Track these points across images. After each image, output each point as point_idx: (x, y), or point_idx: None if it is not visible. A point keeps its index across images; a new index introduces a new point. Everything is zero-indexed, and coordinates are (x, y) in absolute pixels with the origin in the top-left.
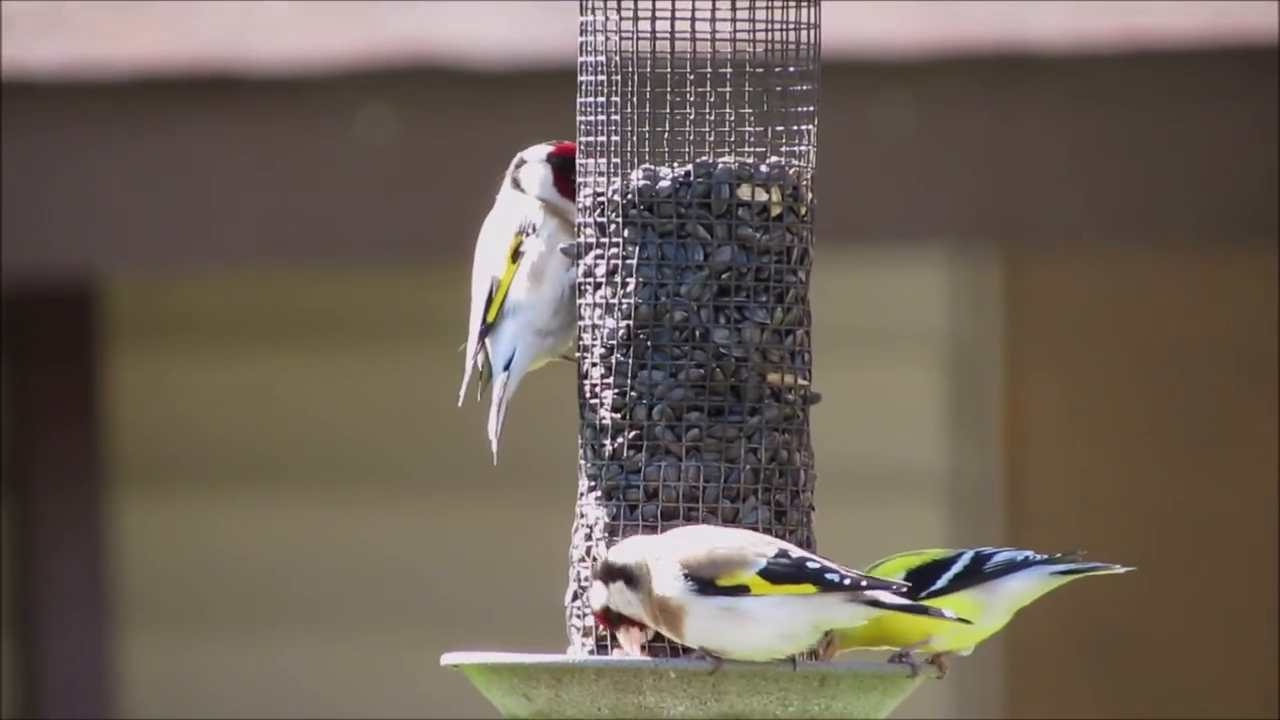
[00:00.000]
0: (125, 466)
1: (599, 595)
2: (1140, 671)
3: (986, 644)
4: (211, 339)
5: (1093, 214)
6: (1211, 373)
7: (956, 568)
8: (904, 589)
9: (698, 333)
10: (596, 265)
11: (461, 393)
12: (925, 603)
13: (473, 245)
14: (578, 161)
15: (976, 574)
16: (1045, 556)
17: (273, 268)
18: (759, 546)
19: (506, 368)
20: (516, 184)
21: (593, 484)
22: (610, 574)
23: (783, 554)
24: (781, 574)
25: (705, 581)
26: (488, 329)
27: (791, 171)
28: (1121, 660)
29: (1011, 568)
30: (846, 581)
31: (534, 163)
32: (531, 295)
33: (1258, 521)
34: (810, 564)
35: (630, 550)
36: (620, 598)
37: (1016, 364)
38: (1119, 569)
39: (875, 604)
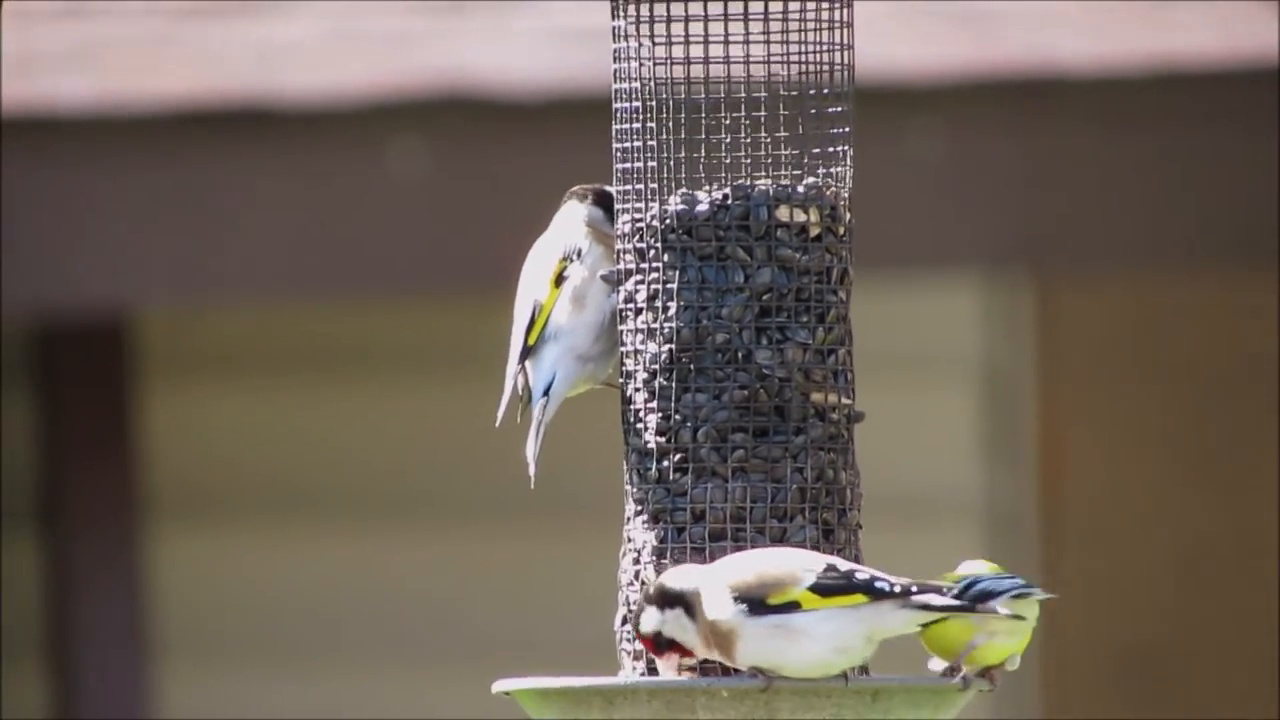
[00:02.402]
0: (159, 501)
1: (651, 620)
2: (1174, 690)
3: (1024, 664)
4: (244, 372)
5: (1125, 237)
6: (1245, 395)
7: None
8: (952, 592)
9: (740, 354)
10: (637, 291)
11: (500, 413)
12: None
13: (506, 276)
14: (615, 189)
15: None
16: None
17: (305, 301)
18: (807, 563)
19: (546, 392)
20: (566, 213)
21: (639, 508)
22: (666, 600)
23: (831, 568)
24: (831, 587)
25: (756, 602)
26: (528, 351)
27: (829, 192)
28: (1156, 679)
29: (984, 596)
30: (897, 589)
31: (584, 194)
32: (574, 320)
33: None
34: (859, 574)
35: (685, 577)
36: (675, 624)
37: (1050, 387)
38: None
39: (927, 608)
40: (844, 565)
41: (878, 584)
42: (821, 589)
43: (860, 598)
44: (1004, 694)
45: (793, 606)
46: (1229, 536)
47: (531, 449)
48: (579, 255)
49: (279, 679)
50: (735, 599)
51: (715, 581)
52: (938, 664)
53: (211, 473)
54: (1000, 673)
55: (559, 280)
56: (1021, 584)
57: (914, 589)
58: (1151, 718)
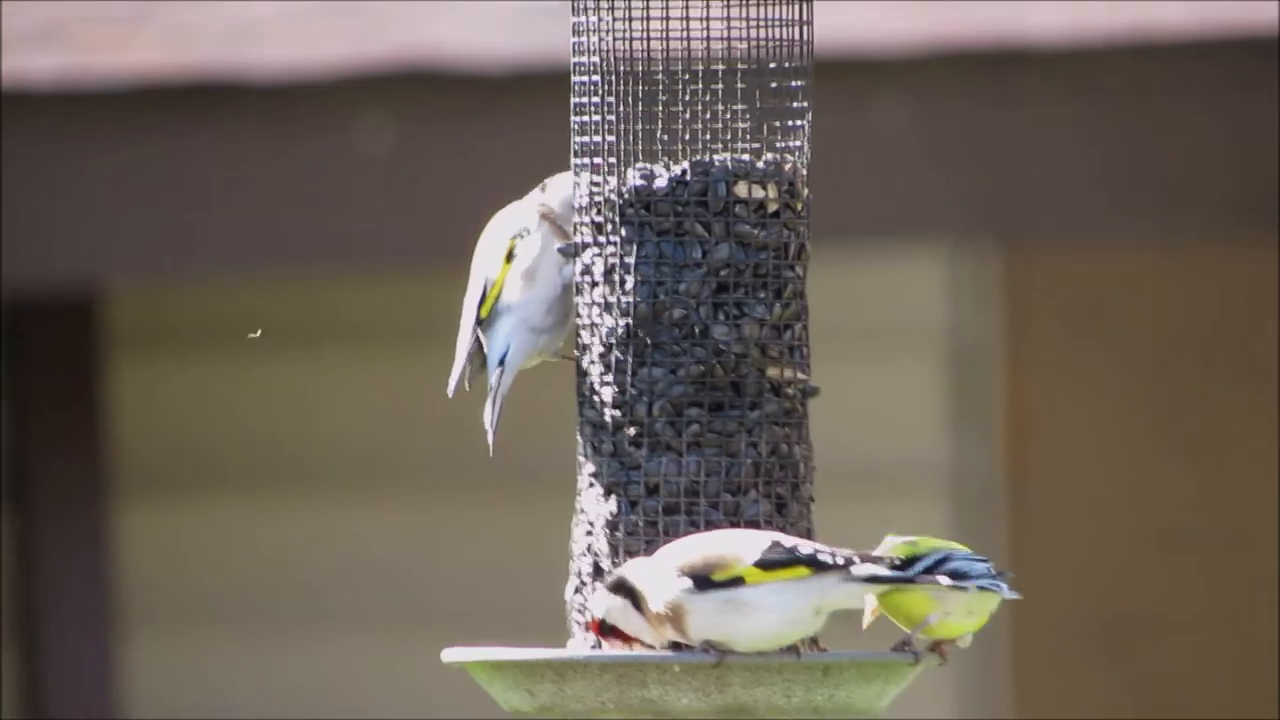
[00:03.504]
0: (127, 474)
1: (599, 606)
2: (1144, 663)
3: (992, 636)
4: (212, 346)
5: (1091, 208)
6: (1212, 365)
7: (915, 569)
8: (896, 564)
9: (697, 330)
10: (594, 264)
11: (452, 384)
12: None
13: (473, 249)
14: (573, 162)
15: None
16: (983, 572)
17: (273, 275)
18: (751, 541)
19: (501, 362)
20: (524, 200)
21: (593, 481)
22: (616, 589)
23: (775, 544)
24: (774, 562)
25: (702, 579)
26: (480, 324)
27: (787, 168)
28: (1126, 652)
29: (954, 575)
30: (839, 560)
31: (543, 185)
32: (525, 293)
33: (1260, 514)
34: (802, 549)
35: (638, 570)
36: (620, 614)
37: (1017, 358)
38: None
39: (871, 579)
40: (789, 541)
41: (820, 557)
42: (765, 564)
43: (803, 570)
44: (972, 663)
45: (738, 582)
46: (1197, 505)
47: (489, 417)
48: (528, 233)
49: (247, 648)
50: (682, 578)
51: (663, 566)
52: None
53: (180, 446)
54: (951, 648)
55: (509, 257)
56: (990, 575)
57: (855, 560)
58: (1120, 686)
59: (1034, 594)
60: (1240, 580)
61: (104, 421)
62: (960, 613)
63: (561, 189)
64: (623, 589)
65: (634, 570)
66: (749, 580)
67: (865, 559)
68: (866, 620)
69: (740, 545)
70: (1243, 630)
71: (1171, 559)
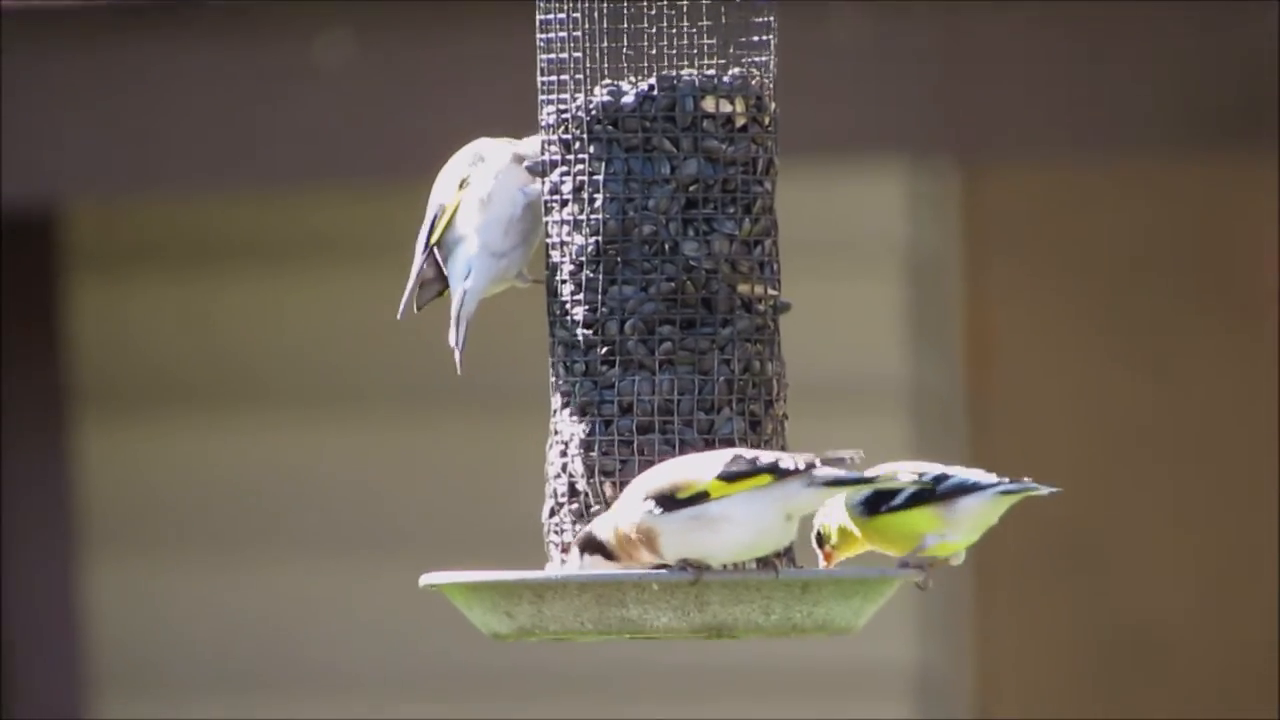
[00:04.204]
0: (88, 393)
1: (572, 565)
2: (1103, 570)
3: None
4: (172, 264)
5: (1051, 122)
6: (1172, 280)
7: (911, 490)
8: (857, 459)
9: (667, 246)
10: (563, 182)
11: (400, 307)
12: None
13: (436, 164)
14: (539, 80)
15: (932, 494)
16: (994, 481)
17: (232, 191)
18: (712, 459)
19: (464, 288)
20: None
21: (566, 401)
22: (586, 546)
23: (737, 458)
24: (736, 474)
25: (667, 499)
26: (433, 247)
27: (754, 82)
28: (1088, 569)
29: (963, 490)
30: (801, 465)
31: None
32: (482, 216)
33: (1220, 428)
34: (763, 459)
35: (605, 525)
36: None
37: (977, 274)
38: (1055, 490)
39: (833, 483)
40: (749, 454)
41: (781, 464)
42: (728, 476)
43: (766, 478)
44: (935, 582)
45: (703, 497)
46: (1157, 421)
47: (454, 337)
48: (482, 160)
49: (207, 569)
50: (647, 501)
51: (631, 498)
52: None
53: (139, 366)
54: (933, 574)
55: (464, 185)
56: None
57: (817, 463)
58: (1082, 603)
59: None
60: (1203, 496)
61: (64, 341)
62: (965, 529)
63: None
64: (592, 545)
65: (599, 524)
66: (714, 494)
67: (827, 462)
68: (823, 563)
69: (702, 464)
70: (1205, 545)
71: (1132, 475)
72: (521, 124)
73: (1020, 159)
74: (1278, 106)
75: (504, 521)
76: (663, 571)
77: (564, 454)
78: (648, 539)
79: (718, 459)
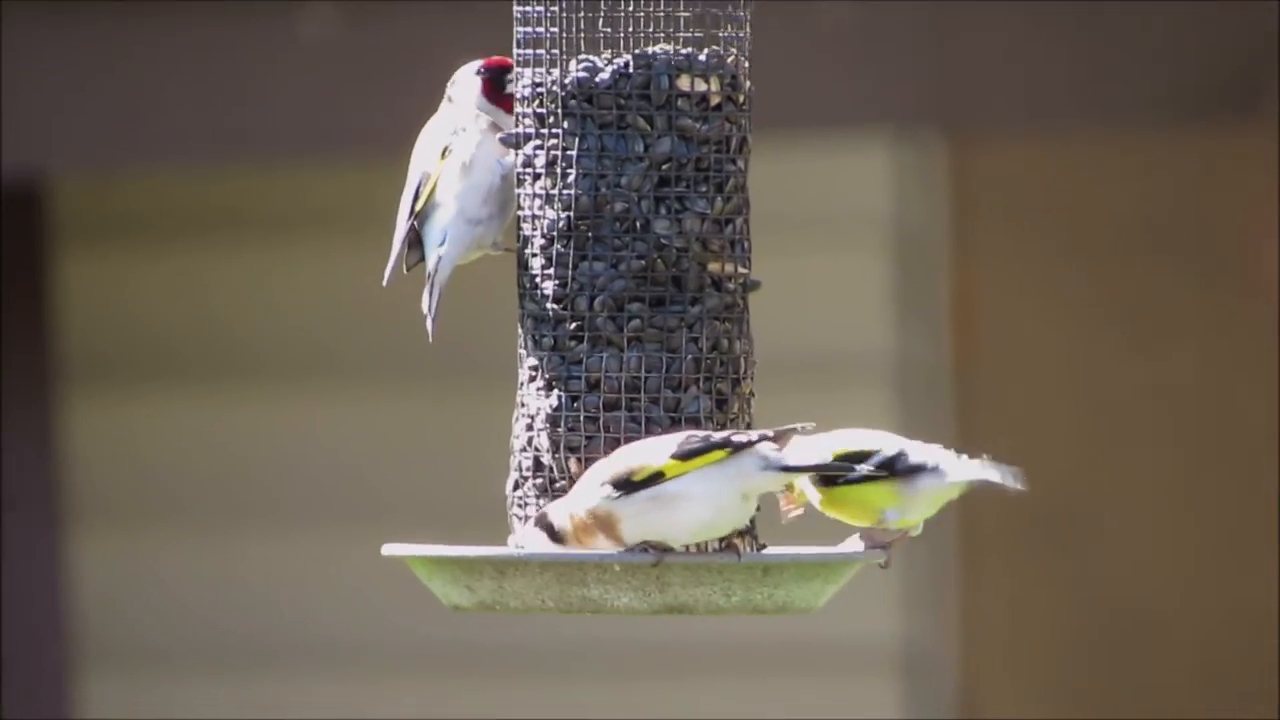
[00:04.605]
0: (77, 366)
1: (529, 538)
2: (1088, 544)
3: (937, 523)
4: (160, 237)
5: (1039, 94)
6: (1160, 253)
7: (872, 462)
8: (808, 430)
9: (638, 224)
10: (536, 156)
11: (387, 272)
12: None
13: (415, 139)
14: (515, 53)
15: (892, 470)
16: (954, 467)
17: (220, 165)
18: (667, 442)
19: (439, 253)
20: (450, 99)
21: (534, 375)
22: (538, 524)
23: (689, 437)
24: (690, 451)
25: (624, 482)
26: (416, 215)
27: (729, 61)
28: (1073, 542)
29: (921, 470)
30: (755, 438)
31: (466, 76)
32: (461, 183)
33: (1206, 400)
34: (715, 436)
35: (561, 506)
36: (537, 544)
37: (963, 246)
38: (1016, 487)
39: (787, 469)
40: (703, 432)
41: (734, 439)
42: (682, 454)
43: (720, 453)
44: (919, 554)
45: (658, 477)
46: (1144, 394)
47: (427, 304)
48: (464, 130)
49: (192, 540)
50: (604, 486)
51: (588, 485)
52: (855, 542)
53: (126, 338)
54: (899, 546)
55: (445, 154)
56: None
57: (770, 435)
58: (1067, 577)
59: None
60: (1194, 471)
61: (53, 314)
62: (923, 506)
63: (470, 82)
64: (543, 525)
65: (555, 510)
66: (669, 474)
67: (779, 435)
68: (783, 505)
69: (656, 447)
70: (1195, 521)
71: (1119, 448)
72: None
73: (1007, 131)
74: (1276, 79)
75: (470, 493)
76: (625, 553)
77: (530, 428)
78: (606, 525)
79: (671, 440)
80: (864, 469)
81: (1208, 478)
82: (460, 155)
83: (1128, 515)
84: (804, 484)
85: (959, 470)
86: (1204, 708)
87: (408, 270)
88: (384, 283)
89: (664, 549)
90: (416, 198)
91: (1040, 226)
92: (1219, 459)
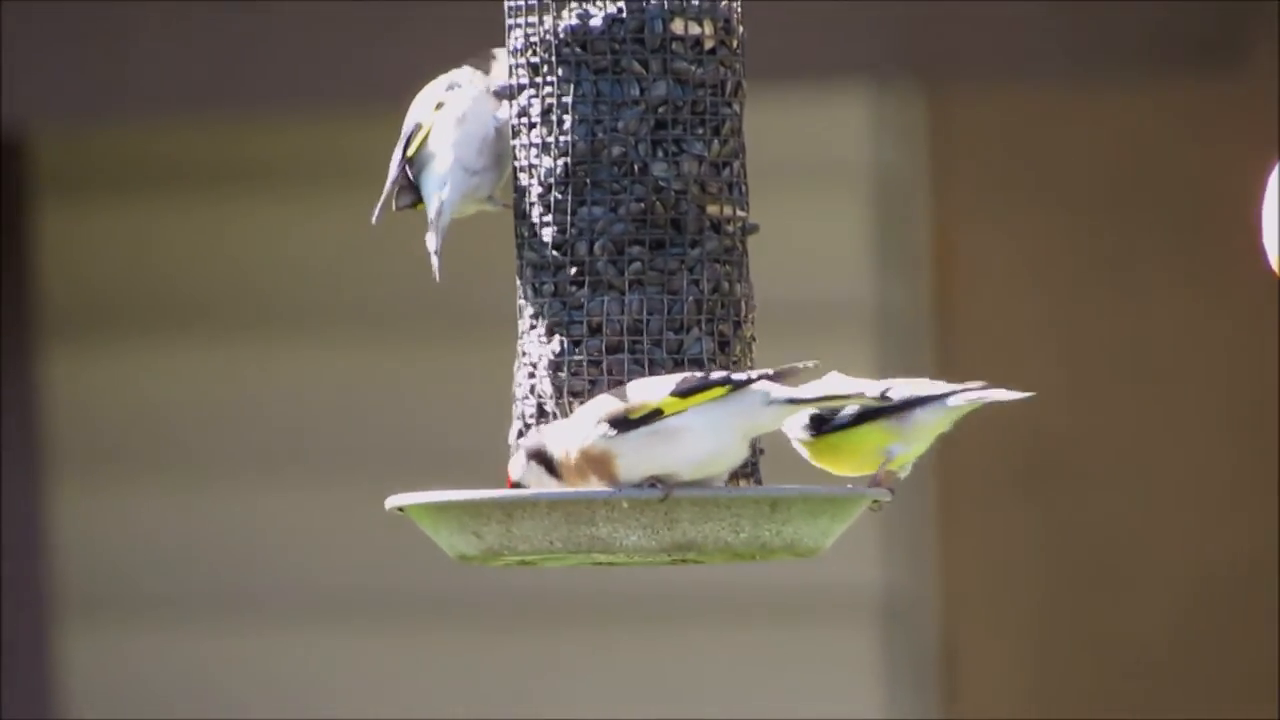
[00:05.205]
0: (53, 316)
1: (516, 469)
2: (1071, 498)
3: (916, 469)
4: (137, 189)
5: (1019, 44)
6: (1138, 203)
7: (857, 406)
8: (811, 365)
9: (636, 167)
10: (531, 105)
11: (376, 211)
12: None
13: (408, 90)
14: (506, 4)
15: (883, 409)
16: (947, 389)
17: (199, 117)
18: (664, 381)
19: (441, 195)
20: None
21: (534, 322)
22: (532, 455)
23: (687, 377)
24: (689, 389)
25: (621, 420)
26: (410, 163)
27: (722, 4)
28: (1051, 491)
29: (915, 402)
30: (754, 376)
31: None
32: (456, 134)
33: (1185, 352)
34: (715, 374)
35: (556, 436)
36: (533, 476)
37: (942, 196)
38: (1019, 396)
39: (793, 402)
40: (699, 373)
41: (734, 377)
42: (681, 392)
43: (720, 390)
44: (897, 504)
45: (657, 414)
46: (1122, 344)
47: (433, 243)
48: (458, 86)
49: (175, 491)
50: (601, 424)
51: (582, 423)
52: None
53: (105, 288)
54: (891, 481)
55: (440, 107)
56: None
57: (770, 374)
58: (1045, 525)
59: (959, 434)
60: (1173, 416)
61: (29, 265)
62: (920, 440)
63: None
64: (538, 455)
65: (552, 436)
66: (668, 411)
67: (781, 374)
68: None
69: (653, 385)
70: (1175, 466)
71: (1097, 396)
72: (494, 48)
73: (987, 80)
74: (1258, 28)
75: (471, 443)
76: (633, 489)
77: (532, 375)
78: (601, 464)
79: (669, 379)
80: (869, 401)
81: (1186, 425)
82: (454, 109)
83: (1106, 463)
84: (793, 435)
85: (956, 396)
86: (1181, 653)
87: (397, 209)
88: (373, 220)
89: (671, 484)
90: (409, 144)
91: (1020, 176)
92: (1198, 407)
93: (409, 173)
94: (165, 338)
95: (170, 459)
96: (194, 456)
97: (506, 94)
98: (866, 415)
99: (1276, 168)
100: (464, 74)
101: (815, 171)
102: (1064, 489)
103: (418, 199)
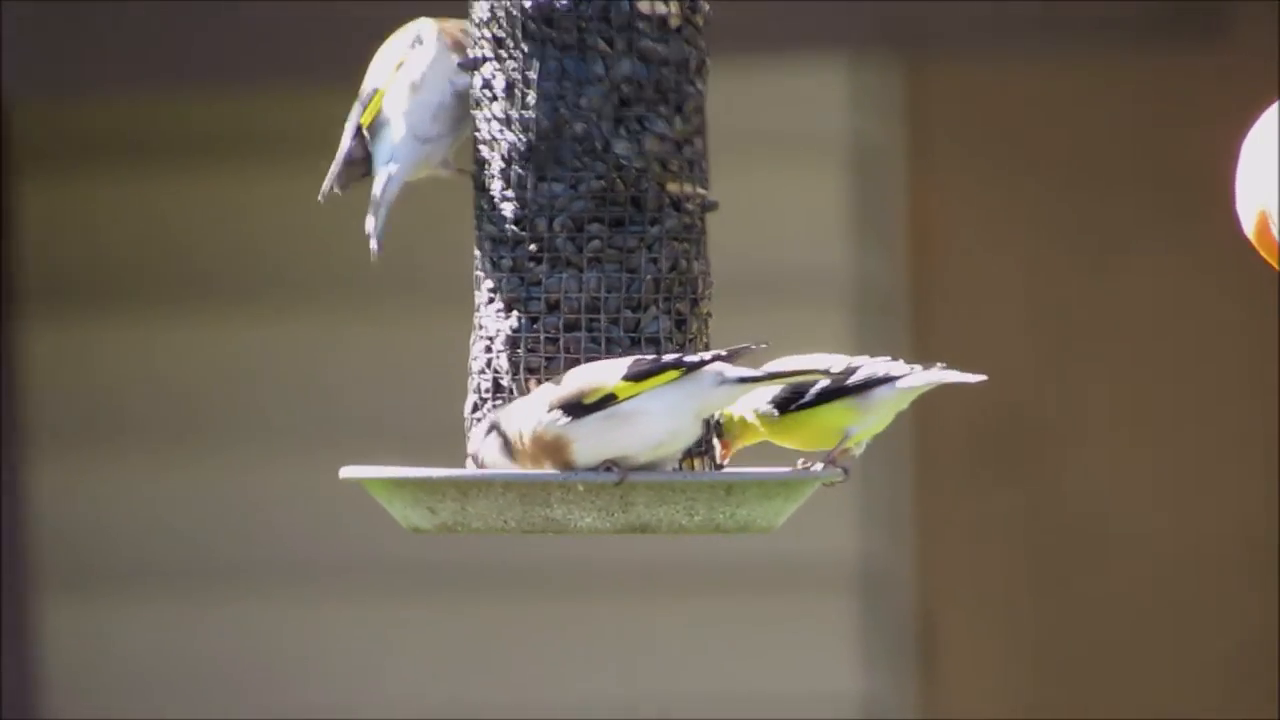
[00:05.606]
0: (31, 289)
1: (474, 442)
2: (1049, 469)
3: (894, 441)
4: (118, 161)
5: (996, 14)
6: (1117, 176)
7: (821, 385)
8: (763, 348)
9: (598, 145)
10: (494, 78)
11: (324, 185)
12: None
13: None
14: None
15: (843, 388)
16: (907, 370)
17: (179, 87)
18: (616, 364)
19: (386, 172)
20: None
21: (492, 297)
22: (489, 429)
23: (639, 360)
24: (642, 372)
25: (574, 406)
26: (363, 130)
27: None
28: (1031, 457)
29: (873, 382)
30: (707, 357)
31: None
32: (410, 100)
33: (1164, 324)
34: (667, 357)
35: (511, 418)
36: (491, 456)
37: (920, 168)
38: (974, 378)
39: (745, 380)
40: (650, 356)
41: (686, 359)
42: (634, 376)
43: (673, 374)
44: (876, 476)
45: (610, 399)
46: (1100, 315)
47: (372, 225)
48: (420, 43)
49: (153, 464)
50: (554, 411)
51: (534, 409)
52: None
53: (84, 261)
54: (847, 459)
55: (399, 66)
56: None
57: (723, 354)
58: (1023, 490)
59: (937, 406)
60: (1145, 388)
61: (9, 237)
62: (880, 418)
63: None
64: (495, 430)
65: (507, 417)
66: (621, 395)
67: (732, 354)
68: (720, 453)
69: (605, 370)
70: (1146, 441)
71: (1076, 368)
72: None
73: (965, 52)
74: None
75: (432, 414)
76: (588, 473)
77: (489, 349)
78: (555, 449)
79: (620, 363)
80: (822, 382)
81: (1164, 396)
82: (410, 72)
83: (1085, 434)
84: (745, 408)
85: (911, 378)
86: (1163, 623)
87: (344, 189)
88: (320, 197)
89: (626, 468)
90: (366, 109)
91: (998, 147)
92: (1176, 378)
93: (366, 138)
94: (145, 310)
95: (149, 432)
96: (173, 429)
97: (470, 66)
98: (829, 394)
99: (1249, 136)
100: (427, 28)
101: (792, 143)
102: (1040, 460)
103: (370, 169)
